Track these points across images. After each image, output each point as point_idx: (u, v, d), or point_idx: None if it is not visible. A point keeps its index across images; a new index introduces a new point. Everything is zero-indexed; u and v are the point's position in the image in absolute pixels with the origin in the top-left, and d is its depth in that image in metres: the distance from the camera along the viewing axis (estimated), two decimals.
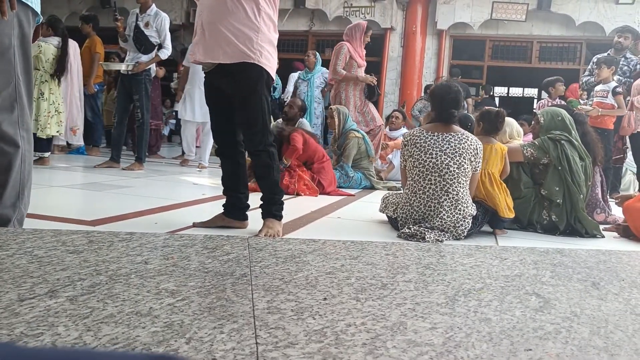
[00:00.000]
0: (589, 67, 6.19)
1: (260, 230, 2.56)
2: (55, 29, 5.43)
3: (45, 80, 5.20)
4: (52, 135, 5.32)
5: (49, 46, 5.23)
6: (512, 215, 3.09)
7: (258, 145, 2.61)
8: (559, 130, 3.40)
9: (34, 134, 5.07)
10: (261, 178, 2.67)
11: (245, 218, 2.75)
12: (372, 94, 5.86)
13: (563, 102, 6.12)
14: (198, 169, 5.90)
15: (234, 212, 2.73)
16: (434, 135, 2.93)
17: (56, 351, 0.38)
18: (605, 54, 5.97)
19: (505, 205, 3.06)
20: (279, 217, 2.64)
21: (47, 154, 5.19)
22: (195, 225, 2.70)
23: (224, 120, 2.70)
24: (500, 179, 3.14)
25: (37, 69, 5.14)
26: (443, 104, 3.01)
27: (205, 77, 2.72)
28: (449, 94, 3.03)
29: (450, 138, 2.90)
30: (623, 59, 5.90)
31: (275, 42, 2.67)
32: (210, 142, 6.06)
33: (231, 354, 1.13)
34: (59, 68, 5.35)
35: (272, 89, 6.59)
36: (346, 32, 6.01)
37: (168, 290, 1.51)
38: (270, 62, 2.60)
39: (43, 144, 5.14)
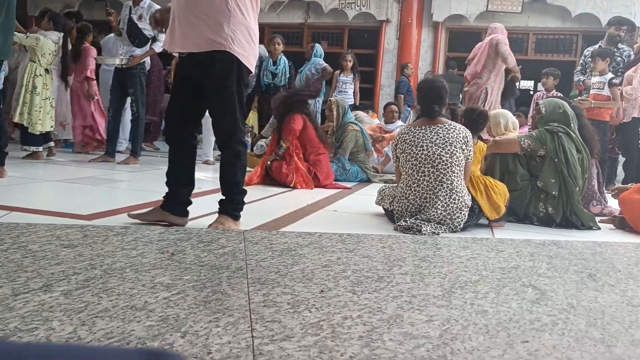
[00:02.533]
0: (581, 61, 6.19)
1: (210, 225, 2.46)
2: (56, 23, 5.39)
3: (40, 75, 5.16)
4: (46, 131, 5.28)
5: (47, 40, 5.18)
6: (497, 215, 3.09)
7: (224, 141, 2.52)
8: (558, 122, 3.39)
9: (26, 128, 5.05)
10: (223, 176, 2.55)
11: (185, 214, 2.56)
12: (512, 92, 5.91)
13: (559, 94, 6.10)
14: (203, 164, 5.86)
15: (172, 206, 2.54)
16: (422, 129, 2.94)
17: (48, 347, 0.37)
18: (597, 46, 5.97)
19: (489, 208, 3.06)
20: (234, 217, 2.51)
21: (40, 148, 5.16)
22: (129, 216, 2.50)
23: (184, 108, 2.55)
24: (482, 181, 3.13)
25: (33, 61, 5.10)
26: (425, 99, 3.03)
27: (177, 64, 2.64)
28: (432, 89, 3.05)
29: (439, 129, 2.91)
30: (615, 49, 5.90)
31: (255, 30, 2.53)
32: (212, 137, 6.03)
33: (227, 347, 1.12)
34: (63, 67, 5.34)
35: (271, 76, 6.56)
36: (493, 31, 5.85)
37: (163, 284, 1.50)
38: (245, 51, 2.47)
39: (36, 138, 5.11)
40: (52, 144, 5.30)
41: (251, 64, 2.55)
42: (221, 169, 2.56)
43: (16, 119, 5.02)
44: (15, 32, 5.04)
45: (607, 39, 5.97)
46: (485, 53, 5.70)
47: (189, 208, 2.57)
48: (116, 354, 0.36)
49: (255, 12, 2.53)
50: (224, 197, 2.54)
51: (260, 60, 6.58)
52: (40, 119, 5.10)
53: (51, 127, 5.36)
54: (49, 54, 5.20)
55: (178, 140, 2.58)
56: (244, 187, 2.60)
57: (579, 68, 6.22)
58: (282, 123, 4.60)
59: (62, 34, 5.40)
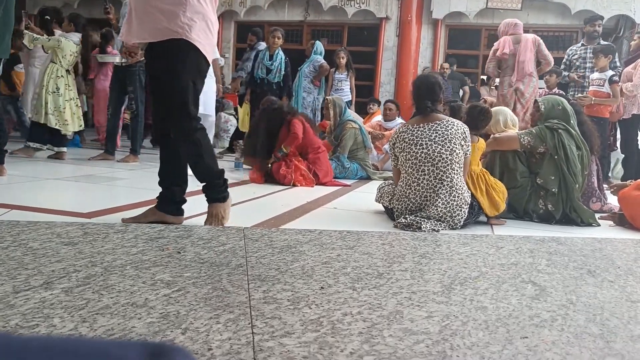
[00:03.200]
0: (565, 60, 6.25)
1: (205, 221, 2.46)
2: (76, 25, 5.43)
3: (62, 75, 5.17)
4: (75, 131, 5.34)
5: (68, 42, 5.20)
6: (497, 212, 3.09)
7: (179, 133, 2.43)
8: (558, 119, 3.39)
9: (35, 126, 5.07)
10: (193, 168, 2.49)
11: (180, 213, 2.54)
12: None
13: (561, 92, 6.11)
14: None
15: (167, 205, 2.51)
16: (420, 127, 2.93)
17: (51, 340, 0.37)
18: (579, 45, 6.09)
19: (489, 205, 3.07)
20: (223, 199, 2.49)
21: (64, 149, 5.20)
22: (124, 220, 2.44)
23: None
24: (483, 178, 3.14)
25: (54, 62, 5.13)
26: (418, 95, 3.03)
27: (145, 62, 2.56)
28: (424, 85, 3.04)
29: (437, 127, 2.90)
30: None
31: (213, 20, 2.48)
32: (211, 137, 6.04)
33: (227, 343, 1.12)
34: (84, 68, 5.36)
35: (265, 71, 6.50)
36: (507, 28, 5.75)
37: (164, 281, 1.50)
38: (203, 40, 2.39)
39: (61, 138, 5.17)
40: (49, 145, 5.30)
41: (209, 53, 2.47)
42: (188, 161, 2.50)
43: (42, 121, 5.03)
44: (36, 35, 5.08)
45: (587, 37, 6.09)
46: (533, 51, 5.32)
47: (184, 206, 2.54)
48: (119, 346, 0.37)
49: (214, 3, 2.48)
50: (205, 185, 2.50)
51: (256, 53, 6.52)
52: (66, 120, 5.14)
53: (80, 126, 5.42)
54: (70, 55, 5.22)
55: (166, 139, 2.53)
56: (218, 169, 2.52)
57: (562, 67, 6.27)
58: (279, 133, 4.59)
59: (81, 35, 5.45)
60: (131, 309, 1.28)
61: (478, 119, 3.27)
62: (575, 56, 6.11)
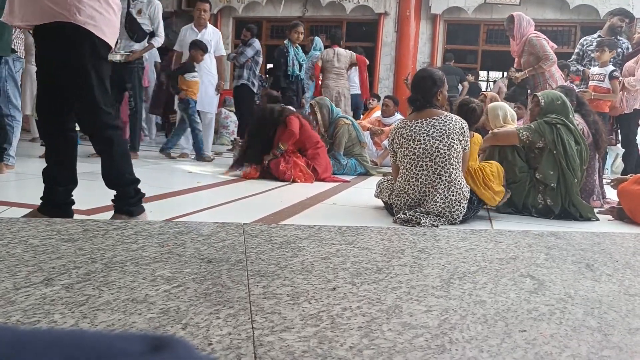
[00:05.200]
0: (577, 50, 6.14)
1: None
2: None
3: None
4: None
5: None
6: (498, 199, 3.10)
7: (89, 128, 2.25)
8: (557, 113, 3.40)
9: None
10: (103, 170, 2.28)
11: (68, 215, 2.35)
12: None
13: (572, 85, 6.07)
14: (193, 158, 5.87)
15: (49, 208, 2.31)
16: (418, 123, 2.93)
17: (53, 332, 0.37)
18: (595, 35, 5.93)
19: (491, 196, 3.08)
20: (129, 213, 2.28)
21: None
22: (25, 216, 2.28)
23: (51, 97, 2.26)
24: (480, 172, 3.14)
25: None
26: (414, 91, 3.04)
27: (35, 47, 2.32)
28: (414, 80, 3.06)
29: (435, 122, 2.90)
30: (616, 41, 5.88)
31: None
32: (211, 134, 6.03)
33: (227, 338, 1.13)
34: None
35: (286, 65, 6.41)
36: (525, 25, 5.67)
37: (164, 277, 1.51)
38: (96, 21, 2.15)
39: None
40: None
41: (107, 35, 2.21)
42: (101, 161, 2.29)
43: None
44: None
45: (608, 29, 5.86)
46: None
47: (77, 206, 2.38)
48: (122, 339, 0.37)
49: None
50: (115, 194, 2.30)
51: (284, 52, 6.39)
52: None
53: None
54: None
55: (50, 135, 2.33)
56: (133, 177, 2.32)
57: (574, 57, 6.15)
58: (277, 130, 4.59)
59: None
60: (131, 305, 1.28)
61: (467, 116, 3.26)
62: (591, 47, 5.92)
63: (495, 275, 1.74)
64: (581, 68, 5.98)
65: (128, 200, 2.31)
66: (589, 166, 3.63)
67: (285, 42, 6.50)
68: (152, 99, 7.41)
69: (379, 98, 7.85)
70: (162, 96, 7.18)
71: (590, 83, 5.59)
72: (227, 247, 1.90)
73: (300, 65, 6.44)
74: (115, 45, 5.73)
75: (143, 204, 2.42)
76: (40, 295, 1.31)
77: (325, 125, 5.29)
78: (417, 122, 2.93)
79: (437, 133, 2.87)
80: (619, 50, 5.87)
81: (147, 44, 5.22)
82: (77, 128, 2.42)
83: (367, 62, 6.99)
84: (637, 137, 5.78)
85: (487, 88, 13.06)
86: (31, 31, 2.24)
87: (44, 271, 1.50)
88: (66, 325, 1.16)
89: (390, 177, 3.28)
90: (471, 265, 1.85)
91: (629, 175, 3.85)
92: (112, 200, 2.31)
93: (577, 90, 5.64)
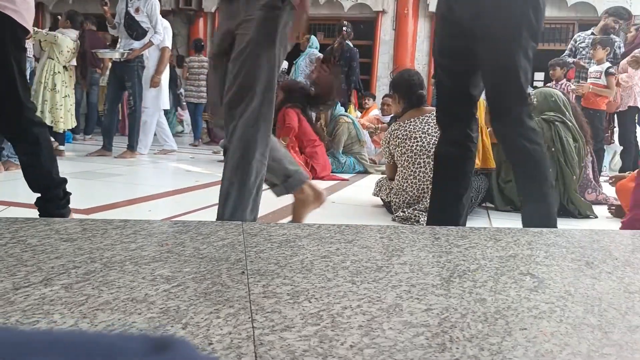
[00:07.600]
0: (570, 46, 6.17)
1: None
2: (73, 22, 5.45)
3: (58, 72, 5.17)
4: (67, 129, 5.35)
5: (65, 38, 5.21)
6: (485, 166, 3.12)
7: (10, 125, 2.06)
8: (552, 111, 3.40)
9: (50, 127, 5.07)
10: (26, 171, 2.09)
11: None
12: None
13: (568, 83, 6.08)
14: (191, 157, 5.86)
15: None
16: (411, 121, 2.94)
17: (53, 333, 0.37)
18: (589, 32, 5.97)
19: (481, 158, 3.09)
20: (62, 216, 2.13)
21: (63, 147, 5.22)
22: None
23: None
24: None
25: (51, 59, 5.14)
26: (410, 89, 3.04)
27: None
28: (413, 78, 3.07)
29: (428, 119, 2.92)
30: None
31: None
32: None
33: (228, 338, 1.13)
34: (82, 66, 5.42)
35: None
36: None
37: (163, 277, 1.50)
38: (16, 5, 1.93)
39: (61, 136, 5.21)
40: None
41: (26, 21, 2.02)
42: (21, 163, 2.11)
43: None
44: (36, 29, 5.09)
45: (602, 29, 5.92)
46: None
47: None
48: (124, 339, 0.37)
49: None
50: (40, 197, 2.15)
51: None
52: (61, 117, 5.15)
53: (74, 124, 5.44)
54: (67, 52, 5.23)
55: (17, 140, 2.16)
56: (59, 178, 2.16)
57: (566, 53, 6.21)
58: (275, 128, 4.60)
59: (79, 32, 5.49)
60: (131, 304, 1.28)
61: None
62: (583, 44, 5.98)
63: (495, 273, 1.74)
64: (570, 60, 6.05)
65: (58, 203, 2.15)
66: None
67: None
68: None
69: (374, 97, 7.84)
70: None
71: (588, 81, 5.61)
72: (226, 246, 1.90)
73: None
74: (116, 45, 5.72)
75: (142, 203, 2.40)
76: (40, 296, 1.31)
77: (325, 122, 5.30)
78: (411, 121, 2.94)
79: (431, 129, 2.87)
80: (615, 47, 5.90)
81: (147, 42, 5.22)
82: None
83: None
84: (636, 135, 5.80)
85: None
86: None
87: (43, 271, 1.49)
88: (66, 325, 1.15)
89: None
90: (471, 263, 1.85)
91: (627, 172, 3.86)
92: (36, 203, 2.12)
93: (573, 85, 5.67)
